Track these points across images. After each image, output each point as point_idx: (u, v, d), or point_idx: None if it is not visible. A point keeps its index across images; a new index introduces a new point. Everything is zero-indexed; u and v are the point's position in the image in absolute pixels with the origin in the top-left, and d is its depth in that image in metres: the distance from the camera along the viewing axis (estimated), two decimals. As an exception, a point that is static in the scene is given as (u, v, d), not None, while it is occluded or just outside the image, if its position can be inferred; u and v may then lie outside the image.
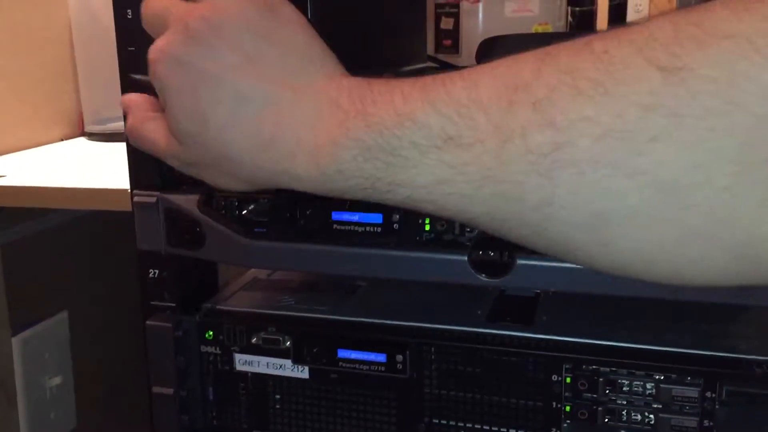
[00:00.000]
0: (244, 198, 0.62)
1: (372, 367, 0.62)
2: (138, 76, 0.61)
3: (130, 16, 0.63)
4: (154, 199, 0.63)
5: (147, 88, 0.48)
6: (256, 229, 0.61)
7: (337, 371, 0.63)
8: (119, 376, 1.16)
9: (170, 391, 0.65)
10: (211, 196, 0.62)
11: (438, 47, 2.72)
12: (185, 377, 0.66)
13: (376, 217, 0.59)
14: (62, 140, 1.10)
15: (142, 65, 0.62)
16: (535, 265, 0.54)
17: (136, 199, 0.63)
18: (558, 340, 0.60)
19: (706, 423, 0.56)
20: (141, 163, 0.64)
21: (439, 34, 2.69)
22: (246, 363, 0.66)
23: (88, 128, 1.08)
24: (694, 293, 0.52)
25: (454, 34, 2.67)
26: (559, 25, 2.59)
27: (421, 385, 0.62)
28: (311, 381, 0.64)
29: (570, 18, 2.68)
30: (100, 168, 0.94)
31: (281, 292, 0.73)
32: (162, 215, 0.63)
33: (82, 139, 1.10)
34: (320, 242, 0.59)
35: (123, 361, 1.11)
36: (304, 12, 0.67)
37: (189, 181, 0.63)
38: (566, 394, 0.58)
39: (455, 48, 2.65)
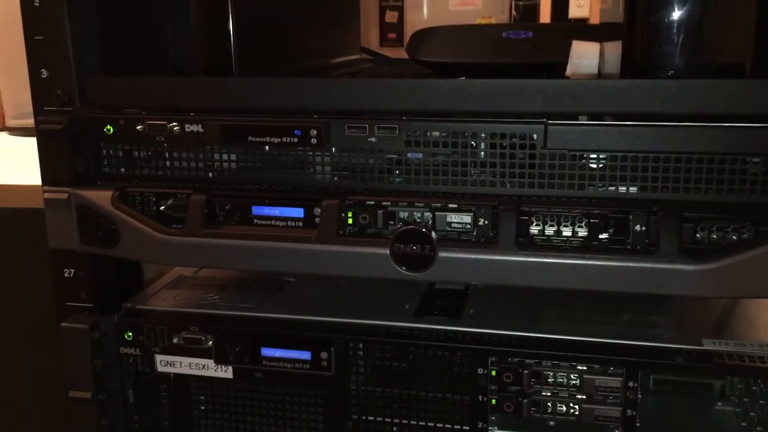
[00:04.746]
0: (162, 193, 0.60)
1: (297, 365, 0.60)
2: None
3: (37, 4, 0.60)
4: (65, 196, 0.60)
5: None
6: (173, 225, 0.59)
7: (261, 370, 0.61)
8: (40, 381, 1.12)
9: (88, 395, 0.63)
10: (126, 192, 0.60)
11: (383, 40, 2.71)
12: (104, 380, 0.64)
13: (298, 212, 0.58)
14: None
15: (48, 55, 0.60)
16: (456, 258, 0.54)
17: (46, 195, 0.60)
18: (483, 333, 0.59)
19: (629, 412, 0.56)
20: (52, 158, 0.61)
21: (384, 27, 2.68)
22: (167, 364, 0.64)
23: (10, 123, 1.04)
24: (615, 283, 0.52)
25: (399, 27, 2.66)
26: (502, 18, 2.60)
27: (347, 382, 0.60)
28: (235, 381, 0.62)
29: (513, 11, 2.70)
30: (18, 164, 0.90)
31: (207, 289, 0.71)
32: (74, 212, 0.60)
33: (4, 134, 1.06)
34: (240, 238, 0.57)
35: (43, 365, 1.07)
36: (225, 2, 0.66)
37: (104, 177, 0.61)
38: (492, 387, 0.58)
39: (400, 41, 2.65)
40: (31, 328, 1.09)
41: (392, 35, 2.83)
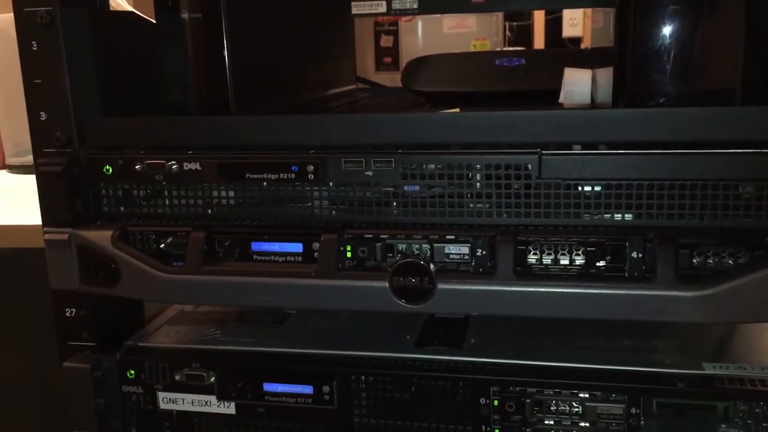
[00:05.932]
0: (161, 231, 0.60)
1: (299, 400, 0.60)
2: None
3: (35, 48, 0.61)
4: (66, 237, 0.60)
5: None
6: (174, 263, 0.60)
7: (264, 405, 0.61)
8: (42, 421, 1.11)
9: (91, 434, 0.63)
10: (126, 231, 0.60)
11: (378, 65, 2.73)
12: (106, 419, 0.64)
13: (297, 247, 0.58)
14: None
15: (47, 97, 0.61)
16: (455, 290, 0.54)
17: (47, 236, 0.61)
18: (485, 362, 0.59)
19: (632, 439, 0.56)
20: (52, 199, 0.61)
21: (380, 51, 2.70)
22: (170, 401, 0.64)
23: (9, 161, 1.05)
24: (614, 312, 0.52)
25: (394, 51, 2.68)
26: (496, 40, 2.62)
27: (350, 415, 0.60)
28: (238, 417, 0.62)
29: (508, 33, 2.72)
30: (19, 202, 0.90)
31: (208, 324, 0.71)
32: (75, 252, 0.60)
33: (3, 172, 1.06)
34: (239, 274, 0.58)
35: (45, 405, 1.06)
36: (219, 38, 0.67)
37: (104, 216, 0.62)
38: (495, 416, 0.58)
39: (395, 65, 2.67)
40: (32, 368, 1.09)
41: (388, 59, 2.85)
